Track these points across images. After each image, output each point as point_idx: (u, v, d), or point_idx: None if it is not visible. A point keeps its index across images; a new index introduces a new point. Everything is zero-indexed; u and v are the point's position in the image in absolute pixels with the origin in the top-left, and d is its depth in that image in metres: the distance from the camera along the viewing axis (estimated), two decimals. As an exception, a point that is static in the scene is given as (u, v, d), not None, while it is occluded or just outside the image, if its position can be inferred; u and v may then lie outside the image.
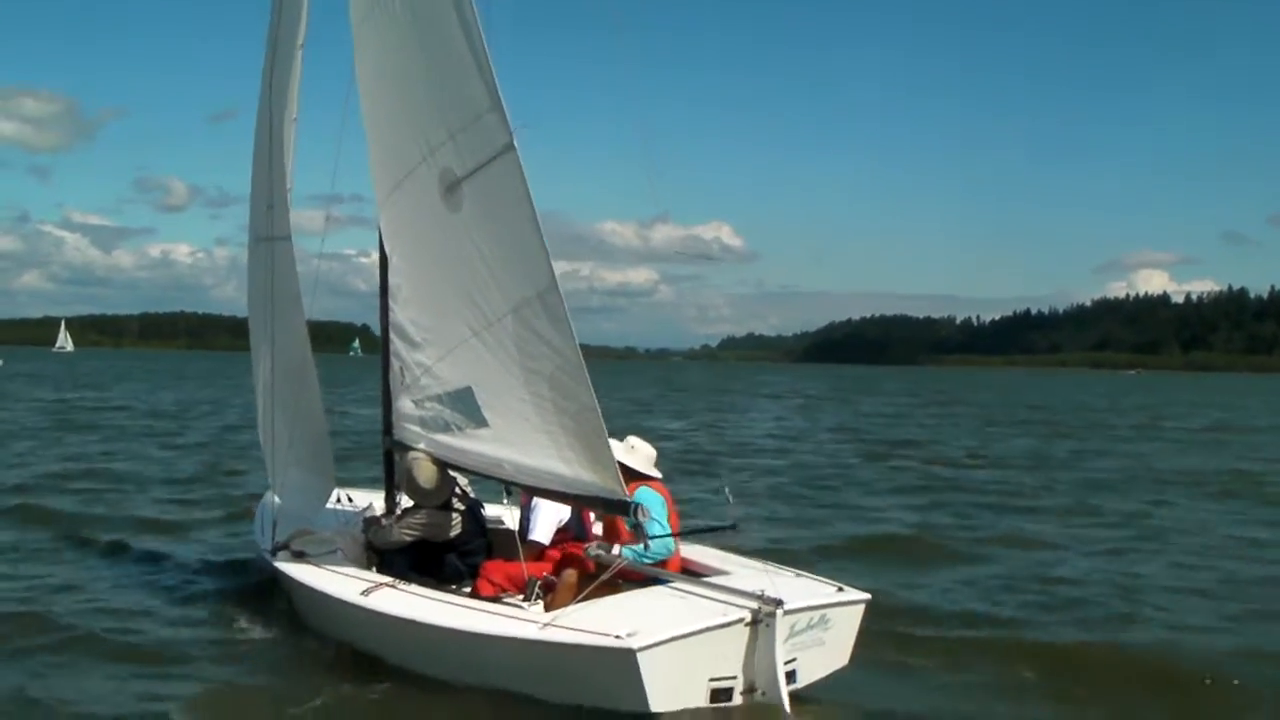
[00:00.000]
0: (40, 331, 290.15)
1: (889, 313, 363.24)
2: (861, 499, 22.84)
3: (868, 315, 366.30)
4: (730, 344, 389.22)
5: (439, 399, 10.75)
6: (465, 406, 10.49)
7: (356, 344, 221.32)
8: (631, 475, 9.84)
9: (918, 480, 26.45)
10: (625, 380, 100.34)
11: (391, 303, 11.12)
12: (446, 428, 10.73)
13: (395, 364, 11.19)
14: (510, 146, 9.36)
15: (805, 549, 15.65)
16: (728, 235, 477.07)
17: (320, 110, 12.70)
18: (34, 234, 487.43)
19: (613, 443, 9.78)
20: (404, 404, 11.15)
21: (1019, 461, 32.09)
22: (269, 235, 12.42)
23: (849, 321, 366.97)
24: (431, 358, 10.73)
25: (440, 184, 10.09)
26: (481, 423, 10.35)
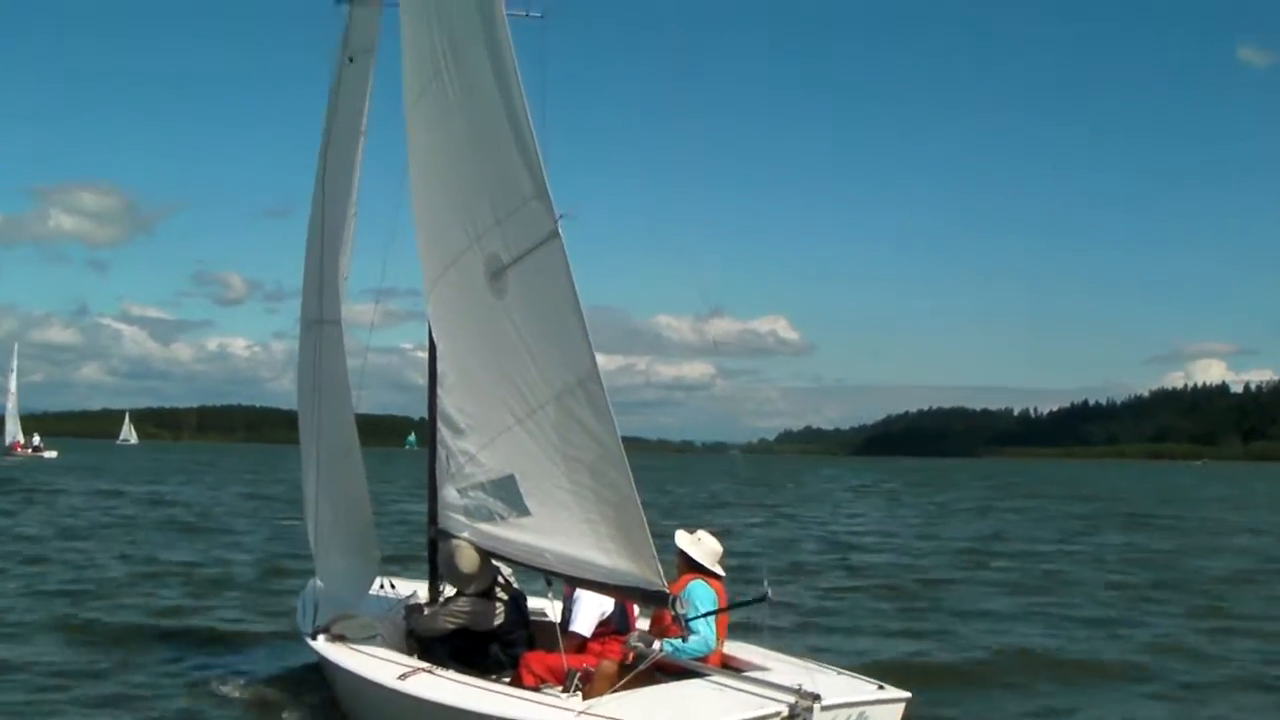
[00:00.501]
0: (100, 424, 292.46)
1: (945, 405, 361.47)
2: (964, 602, 21.68)
3: (924, 408, 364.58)
4: (787, 437, 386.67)
5: (482, 487, 10.67)
6: (508, 494, 10.40)
7: (412, 437, 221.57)
8: (692, 566, 9.82)
9: (1021, 579, 25.19)
10: (691, 474, 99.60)
11: (439, 390, 11.13)
12: (490, 516, 10.65)
13: (441, 452, 11.16)
14: (555, 234, 9.34)
15: (898, 660, 14.78)
16: (784, 329, 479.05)
17: (376, 200, 12.87)
18: (93, 327, 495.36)
19: (680, 533, 9.83)
20: (449, 492, 11.10)
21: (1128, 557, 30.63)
22: (319, 319, 12.48)
23: (906, 414, 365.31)
24: (475, 445, 10.69)
25: (486, 270, 10.08)
26: (524, 511, 10.26)
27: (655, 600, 9.30)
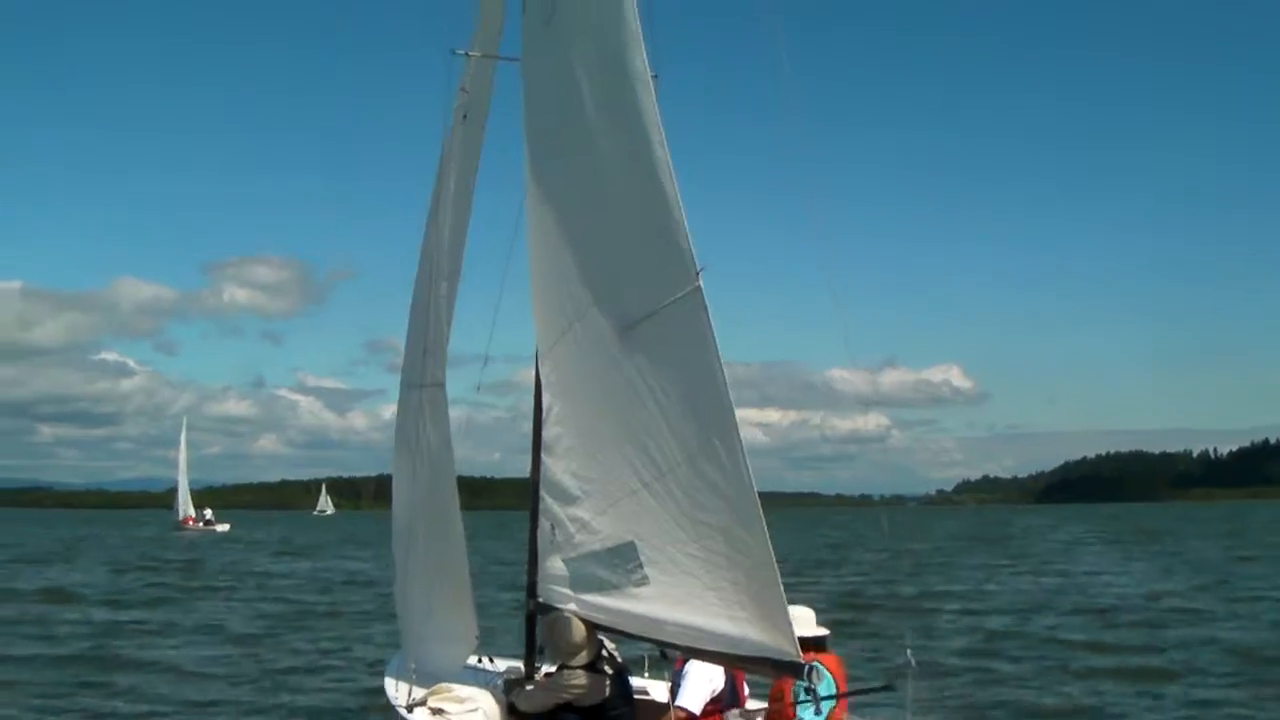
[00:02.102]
0: (278, 495, 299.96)
1: (1123, 449, 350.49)
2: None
3: (1102, 453, 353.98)
4: (966, 487, 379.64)
5: (594, 556, 10.16)
6: (625, 562, 9.90)
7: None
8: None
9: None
10: (886, 529, 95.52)
11: (546, 457, 10.67)
12: (600, 586, 10.11)
13: (545, 522, 10.70)
14: (696, 288, 9.03)
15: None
16: (957, 377, 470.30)
17: (484, 263, 12.87)
18: (269, 398, 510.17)
19: None
20: (553, 563, 10.60)
21: None
22: (420, 382, 12.25)
23: (1084, 460, 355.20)
24: (590, 512, 10.20)
25: (616, 326, 9.76)
26: (642, 580, 9.74)
27: (788, 670, 8.81)
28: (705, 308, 9.04)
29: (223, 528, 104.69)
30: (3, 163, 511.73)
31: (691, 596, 9.34)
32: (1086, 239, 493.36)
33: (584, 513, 10.27)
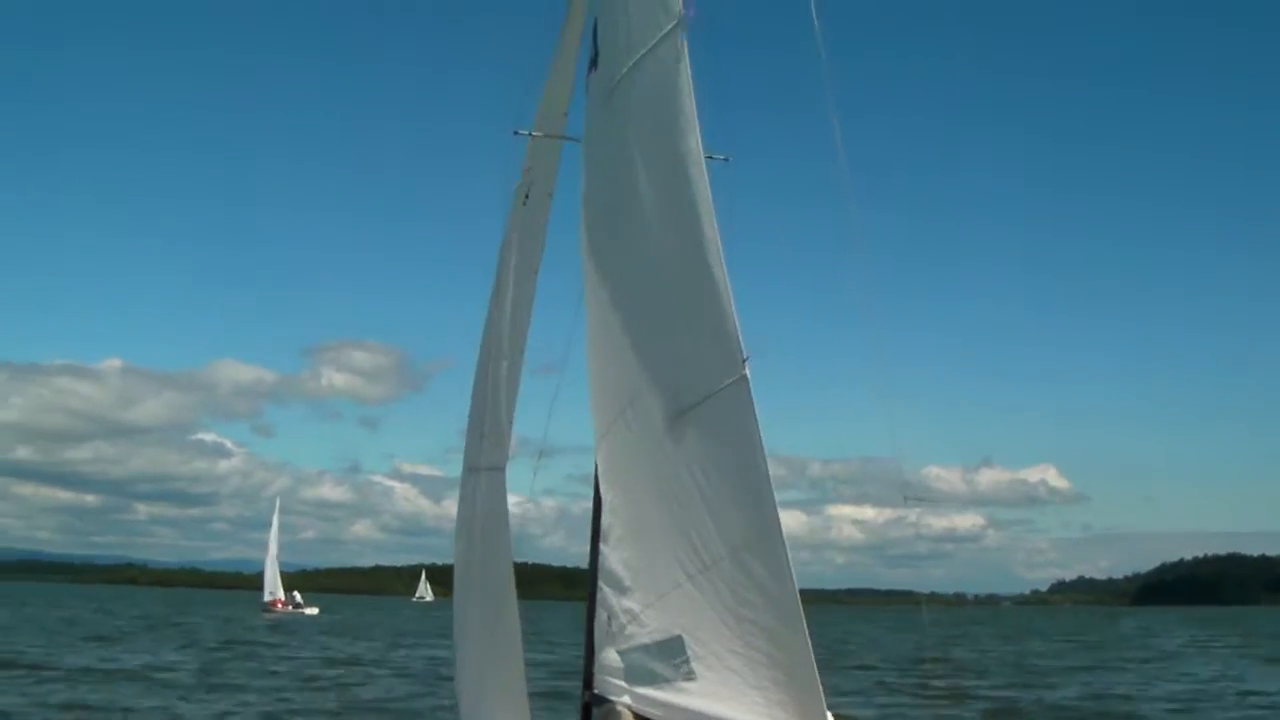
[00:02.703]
0: (371, 580, 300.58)
1: (1221, 551, 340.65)
2: None
3: (1200, 554, 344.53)
4: (1060, 588, 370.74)
5: (646, 649, 9.99)
6: (673, 656, 9.74)
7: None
8: None
9: None
10: (996, 629, 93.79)
11: (603, 545, 10.46)
12: (652, 679, 9.92)
13: (602, 612, 10.46)
14: (742, 377, 9.01)
15: None
16: (1053, 477, 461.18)
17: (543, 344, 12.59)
18: (365, 484, 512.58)
19: None
20: (608, 654, 10.36)
21: None
22: (477, 465, 12.22)
23: (1181, 561, 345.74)
24: (641, 603, 10.04)
25: (665, 414, 9.67)
26: (689, 675, 9.58)
27: None
28: (751, 398, 9.01)
29: (311, 611, 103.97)
30: (103, 241, 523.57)
31: (737, 694, 9.23)
32: (1184, 341, 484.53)
33: (635, 604, 10.12)
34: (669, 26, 9.53)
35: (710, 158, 10.31)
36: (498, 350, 12.09)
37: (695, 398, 9.40)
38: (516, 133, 11.93)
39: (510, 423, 12.12)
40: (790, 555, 8.95)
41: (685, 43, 9.47)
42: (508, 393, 12.09)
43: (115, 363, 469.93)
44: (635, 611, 10.08)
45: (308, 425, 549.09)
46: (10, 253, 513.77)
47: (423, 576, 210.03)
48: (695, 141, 9.39)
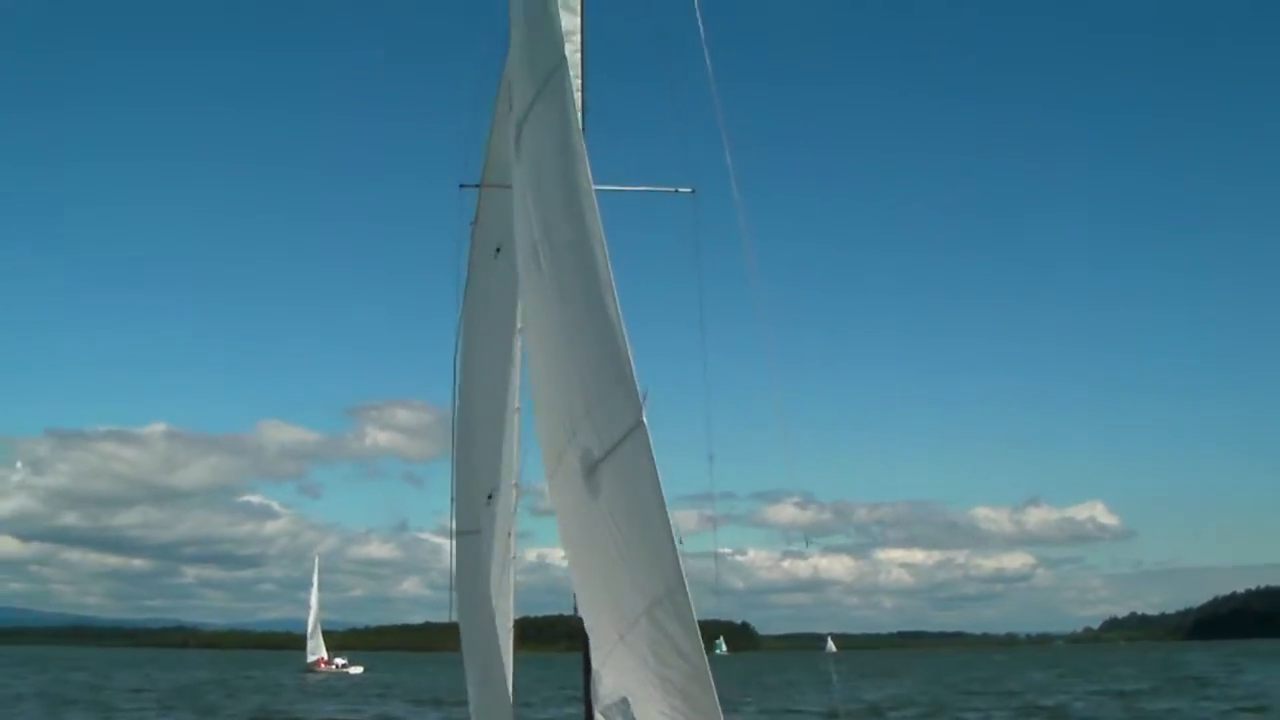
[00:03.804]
0: (421, 637, 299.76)
1: (1275, 584, 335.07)
2: None
3: (1252, 588, 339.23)
4: (1113, 625, 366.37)
5: (609, 710, 9.89)
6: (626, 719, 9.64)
7: (721, 640, 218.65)
8: None
9: None
10: (1060, 672, 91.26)
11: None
12: None
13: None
14: (640, 424, 8.68)
15: None
16: (1102, 514, 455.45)
17: None
18: (412, 541, 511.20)
19: None
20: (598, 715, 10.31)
21: None
22: (461, 529, 12.28)
23: (1233, 595, 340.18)
24: (598, 662, 9.89)
25: (582, 466, 9.41)
26: None
27: None
28: (648, 444, 8.69)
29: (356, 670, 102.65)
30: (144, 305, 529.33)
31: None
32: (1231, 373, 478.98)
33: (596, 663, 9.94)
34: (554, 66, 9.39)
35: (675, 191, 10.55)
36: (470, 410, 11.87)
37: (605, 446, 9.10)
38: (462, 187, 11.93)
39: (501, 481, 11.91)
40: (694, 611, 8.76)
41: (570, 81, 9.36)
42: (517, 450, 11.88)
43: (160, 427, 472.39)
44: (598, 671, 9.94)
45: (353, 484, 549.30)
46: (52, 319, 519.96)
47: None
48: (586, 180, 9.12)
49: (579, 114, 9.65)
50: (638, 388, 8.76)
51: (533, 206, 9.80)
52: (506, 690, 11.91)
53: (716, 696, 8.68)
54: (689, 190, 10.66)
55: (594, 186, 9.74)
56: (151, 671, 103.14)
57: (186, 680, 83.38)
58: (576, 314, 9.34)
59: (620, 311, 8.84)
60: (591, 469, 9.23)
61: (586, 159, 9.15)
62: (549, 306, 9.75)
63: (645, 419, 8.69)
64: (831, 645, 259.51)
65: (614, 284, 8.87)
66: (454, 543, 12.17)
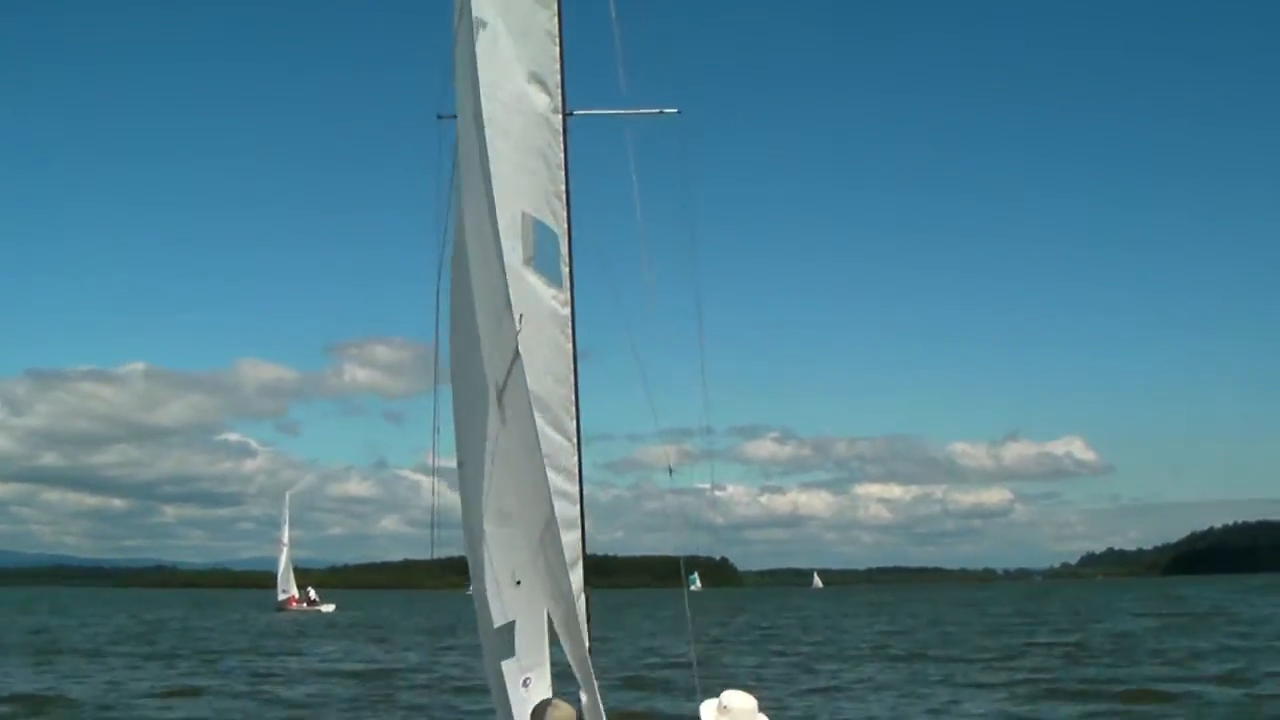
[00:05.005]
0: (402, 575, 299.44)
1: (1252, 519, 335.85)
2: None
3: (1230, 523, 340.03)
4: (1090, 560, 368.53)
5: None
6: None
7: (695, 576, 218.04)
8: None
9: None
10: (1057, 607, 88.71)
11: None
12: None
13: None
14: (515, 351, 8.89)
15: None
16: (1080, 450, 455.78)
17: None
18: (392, 479, 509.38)
19: (703, 707, 9.07)
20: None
21: None
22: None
23: (1211, 530, 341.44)
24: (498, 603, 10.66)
25: (495, 396, 9.46)
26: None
27: None
28: (525, 376, 8.85)
29: (328, 608, 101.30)
30: (121, 246, 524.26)
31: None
32: (1210, 307, 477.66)
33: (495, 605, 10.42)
34: None
35: (661, 111, 10.75)
36: None
37: (501, 377, 9.22)
38: (440, 117, 10.97)
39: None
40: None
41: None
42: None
43: (138, 366, 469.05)
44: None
45: (332, 422, 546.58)
46: (29, 260, 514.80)
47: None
48: (476, 97, 9.06)
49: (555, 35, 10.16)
50: (514, 314, 8.83)
51: (464, 125, 9.57)
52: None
53: (586, 643, 9.11)
54: (674, 111, 10.77)
55: (579, 111, 10.43)
56: (115, 611, 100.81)
57: (151, 619, 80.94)
58: (474, 237, 9.48)
59: (499, 229, 8.90)
60: (499, 397, 9.27)
61: (477, 79, 9.10)
62: (464, 239, 9.86)
63: (518, 345, 8.78)
64: (818, 581, 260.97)
65: (495, 201, 8.90)
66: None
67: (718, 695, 9.12)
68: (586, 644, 9.45)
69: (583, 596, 10.36)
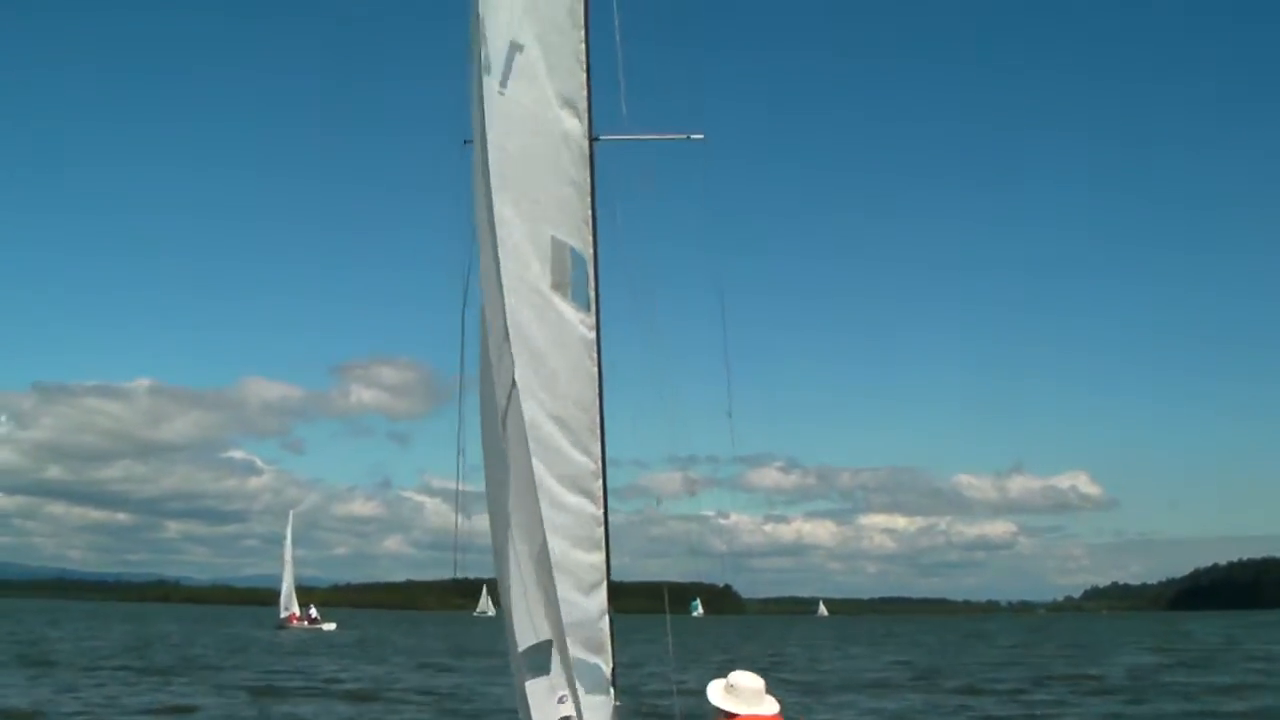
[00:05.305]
0: (403, 595, 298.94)
1: (1256, 555, 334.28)
2: None
3: (1235, 559, 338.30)
4: (1094, 594, 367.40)
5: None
6: None
7: (697, 602, 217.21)
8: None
9: None
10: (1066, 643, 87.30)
11: None
12: None
13: None
14: (514, 383, 9.44)
15: None
16: (1084, 483, 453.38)
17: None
18: (395, 499, 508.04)
19: (710, 687, 9.05)
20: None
21: None
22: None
23: (1215, 566, 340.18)
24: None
25: (499, 417, 10.03)
26: None
27: None
28: (520, 405, 9.27)
29: (329, 627, 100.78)
30: (130, 261, 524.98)
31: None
32: (1216, 342, 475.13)
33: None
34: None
35: (688, 138, 10.95)
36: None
37: (503, 404, 9.77)
38: (466, 143, 10.87)
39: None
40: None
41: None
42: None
43: (144, 382, 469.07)
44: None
45: (337, 442, 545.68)
46: (36, 274, 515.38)
47: (483, 591, 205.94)
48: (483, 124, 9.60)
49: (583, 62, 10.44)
50: (511, 347, 9.29)
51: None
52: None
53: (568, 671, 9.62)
54: (700, 137, 10.95)
55: (605, 136, 10.60)
56: (113, 625, 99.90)
57: (148, 634, 79.92)
58: (485, 267, 9.81)
59: (501, 260, 9.42)
60: (503, 425, 9.75)
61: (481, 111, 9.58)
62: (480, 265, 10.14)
63: (518, 379, 9.28)
64: (824, 609, 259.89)
65: (496, 234, 9.41)
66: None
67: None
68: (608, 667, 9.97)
69: (605, 618, 10.48)
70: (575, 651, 10.18)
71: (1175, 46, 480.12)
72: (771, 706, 9.10)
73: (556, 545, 9.91)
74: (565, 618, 9.87)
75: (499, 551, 10.14)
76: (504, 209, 9.59)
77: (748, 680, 9.08)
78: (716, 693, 9.02)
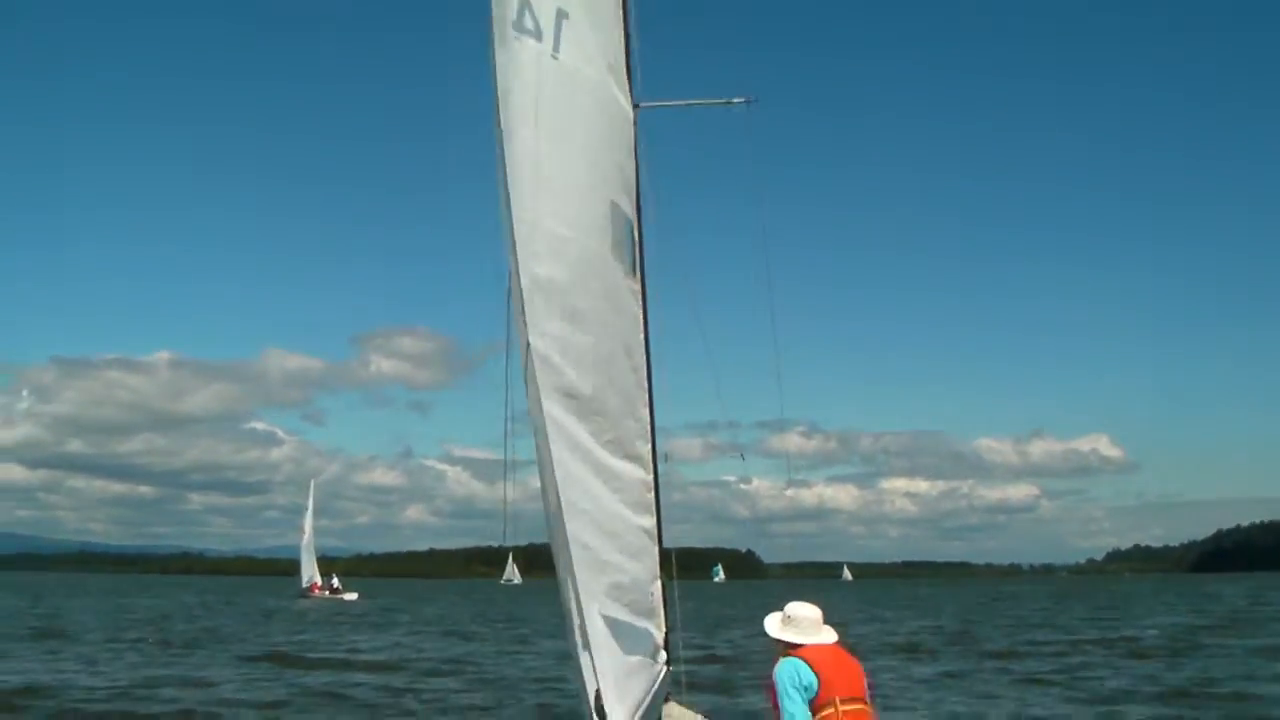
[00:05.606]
0: (425, 564, 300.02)
1: (1279, 517, 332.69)
2: None
3: (1257, 521, 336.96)
4: (1115, 557, 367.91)
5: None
6: None
7: (719, 567, 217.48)
8: (793, 648, 8.94)
9: None
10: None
11: None
12: None
13: None
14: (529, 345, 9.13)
15: None
16: (1105, 446, 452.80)
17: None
18: (417, 468, 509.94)
19: (769, 619, 9.20)
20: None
21: None
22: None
23: (1238, 528, 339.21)
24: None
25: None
26: None
27: None
28: (539, 400, 9.10)
29: (350, 596, 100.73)
30: (152, 237, 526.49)
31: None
32: (1238, 305, 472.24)
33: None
34: None
35: (729, 102, 11.10)
36: None
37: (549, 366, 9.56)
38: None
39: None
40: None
41: None
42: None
43: (164, 355, 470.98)
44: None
45: (358, 412, 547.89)
46: (58, 250, 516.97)
47: (509, 559, 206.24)
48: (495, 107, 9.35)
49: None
50: (523, 340, 9.12)
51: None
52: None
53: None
54: (743, 101, 11.02)
55: (647, 103, 10.76)
56: (136, 596, 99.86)
57: (169, 606, 79.58)
58: (530, 230, 9.41)
59: (552, 226, 9.27)
60: (550, 387, 9.40)
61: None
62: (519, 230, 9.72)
63: (534, 340, 9.01)
64: (847, 574, 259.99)
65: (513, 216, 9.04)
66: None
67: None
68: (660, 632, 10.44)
69: (657, 582, 10.77)
70: (624, 616, 9.97)
71: None
72: (830, 636, 9.17)
73: (605, 509, 9.83)
74: (613, 581, 9.79)
75: (551, 517, 9.96)
76: (560, 172, 9.57)
77: (805, 610, 9.14)
78: (774, 625, 9.11)
